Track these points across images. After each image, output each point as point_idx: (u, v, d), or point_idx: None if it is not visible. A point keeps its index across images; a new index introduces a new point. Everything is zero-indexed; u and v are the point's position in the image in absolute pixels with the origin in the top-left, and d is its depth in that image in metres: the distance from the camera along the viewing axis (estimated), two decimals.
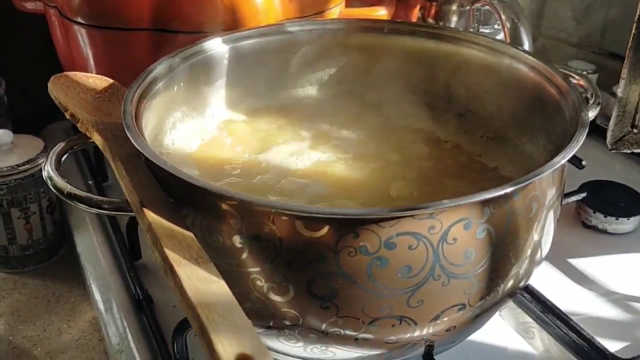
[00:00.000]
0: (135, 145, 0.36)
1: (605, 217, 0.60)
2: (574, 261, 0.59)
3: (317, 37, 0.55)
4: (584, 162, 0.63)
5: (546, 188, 0.38)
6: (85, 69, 0.61)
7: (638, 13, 0.45)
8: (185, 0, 0.55)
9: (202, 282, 0.29)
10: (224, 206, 0.34)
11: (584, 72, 0.84)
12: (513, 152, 0.49)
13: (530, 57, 0.47)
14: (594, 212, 0.60)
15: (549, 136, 0.45)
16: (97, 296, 0.55)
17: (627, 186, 0.64)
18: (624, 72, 0.47)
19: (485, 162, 0.49)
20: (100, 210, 0.37)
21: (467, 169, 0.48)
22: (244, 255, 0.34)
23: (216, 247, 0.35)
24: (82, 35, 0.59)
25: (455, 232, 0.33)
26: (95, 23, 0.57)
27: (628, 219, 0.60)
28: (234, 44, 0.52)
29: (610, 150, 0.50)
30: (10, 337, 0.59)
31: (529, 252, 0.39)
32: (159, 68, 0.46)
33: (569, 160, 0.63)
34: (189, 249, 0.32)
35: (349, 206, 0.41)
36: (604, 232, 0.61)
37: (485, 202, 0.34)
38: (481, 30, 0.72)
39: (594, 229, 0.61)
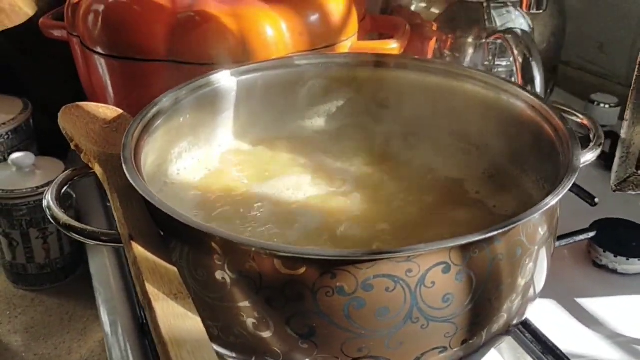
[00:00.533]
0: (129, 178, 0.38)
1: (615, 256, 0.59)
2: (582, 301, 0.58)
3: (325, 71, 0.56)
4: (596, 200, 0.62)
5: (532, 232, 0.37)
6: (104, 96, 0.64)
7: None
8: (197, 34, 0.57)
9: (177, 318, 0.30)
10: (208, 242, 0.35)
11: (606, 106, 0.83)
12: (514, 191, 0.49)
13: (529, 95, 0.47)
14: (604, 252, 0.59)
15: (547, 176, 0.45)
16: (105, 318, 0.57)
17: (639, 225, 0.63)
18: (627, 113, 0.46)
19: (484, 201, 0.48)
20: (96, 242, 0.39)
21: (465, 206, 0.48)
22: (227, 290, 0.35)
23: (201, 280, 0.36)
24: (101, 65, 0.61)
25: (434, 275, 0.33)
26: (113, 53, 0.60)
27: (639, 260, 0.59)
28: (242, 77, 0.54)
29: (614, 191, 0.49)
30: (23, 354, 0.61)
31: (515, 294, 0.38)
32: (164, 100, 0.48)
33: (581, 197, 0.63)
34: (170, 284, 0.33)
35: (337, 243, 0.42)
36: (614, 272, 0.60)
37: (464, 247, 0.34)
38: (497, 63, 0.71)
39: (605, 268, 0.60)
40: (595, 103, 0.84)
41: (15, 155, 0.67)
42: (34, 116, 0.76)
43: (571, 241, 0.59)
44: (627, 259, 0.59)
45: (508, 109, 0.48)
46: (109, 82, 0.62)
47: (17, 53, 0.80)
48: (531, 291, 0.41)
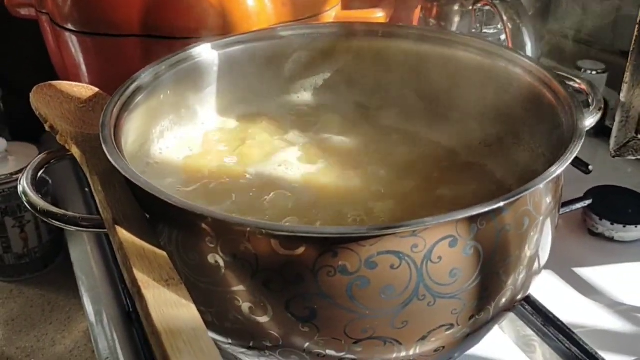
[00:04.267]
0: (110, 159, 0.35)
1: (612, 224, 0.58)
2: (579, 270, 0.57)
3: (311, 42, 0.54)
4: (590, 167, 0.61)
5: (539, 201, 0.36)
6: (77, 75, 0.60)
7: None
8: (174, 5, 0.54)
9: (169, 306, 0.28)
10: (199, 224, 0.33)
11: (593, 72, 0.81)
12: (512, 160, 0.47)
13: (527, 60, 0.45)
14: (600, 220, 0.58)
15: (547, 143, 0.43)
16: (89, 308, 0.55)
17: (635, 192, 0.61)
18: (627, 75, 0.45)
19: (483, 169, 0.47)
20: (77, 228, 0.36)
21: (464, 177, 0.46)
22: (221, 274, 0.33)
23: (192, 265, 0.34)
24: (72, 42, 0.58)
25: (440, 250, 0.32)
26: (85, 29, 0.56)
27: (636, 227, 0.58)
28: (224, 50, 0.51)
29: (613, 157, 0.48)
30: (4, 348, 0.58)
31: (522, 266, 0.37)
32: (143, 76, 0.45)
33: (574, 165, 0.62)
34: (160, 270, 0.30)
35: (334, 219, 0.40)
36: (611, 240, 0.59)
37: (471, 219, 0.32)
38: (484, 31, 0.70)
39: (601, 236, 0.59)
40: (582, 70, 0.82)
41: None
42: (5, 99, 0.73)
43: (567, 210, 0.58)
44: (624, 227, 0.58)
45: (504, 75, 0.46)
46: (82, 61, 0.59)
47: None
48: (536, 264, 0.39)
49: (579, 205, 0.58)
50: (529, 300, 0.50)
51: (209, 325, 0.36)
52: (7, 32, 0.75)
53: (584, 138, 0.37)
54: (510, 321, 0.51)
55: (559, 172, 0.34)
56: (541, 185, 0.34)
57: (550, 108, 0.42)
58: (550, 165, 0.35)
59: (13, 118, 0.74)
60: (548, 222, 0.39)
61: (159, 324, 0.27)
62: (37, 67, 0.70)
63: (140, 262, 0.31)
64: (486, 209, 0.31)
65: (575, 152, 0.35)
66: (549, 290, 0.54)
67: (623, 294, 0.54)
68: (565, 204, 0.58)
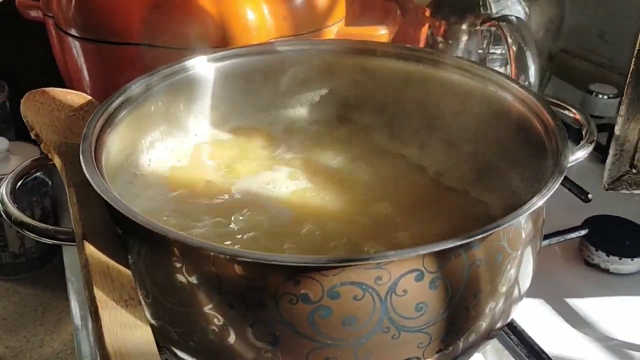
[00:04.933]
0: (85, 171, 0.35)
1: (607, 256, 0.57)
2: (572, 301, 0.55)
3: (308, 58, 0.53)
4: (590, 196, 0.60)
5: (514, 236, 0.35)
6: (79, 80, 0.61)
7: (637, 47, 0.42)
8: (175, 16, 0.54)
9: (124, 329, 0.28)
10: (166, 244, 0.33)
11: (605, 97, 0.80)
12: (501, 187, 0.46)
13: (518, 87, 0.44)
14: (596, 250, 0.57)
15: (534, 174, 0.42)
16: (76, 311, 0.55)
17: (634, 223, 0.60)
18: (622, 109, 0.44)
19: (472, 197, 0.46)
20: (51, 241, 0.36)
21: (450, 204, 0.45)
22: (186, 294, 0.33)
23: (159, 283, 0.34)
24: (75, 48, 0.59)
25: (406, 283, 0.31)
26: (87, 35, 0.57)
27: (632, 260, 0.56)
28: (219, 63, 0.51)
29: (606, 190, 0.47)
30: None
31: (495, 301, 0.36)
32: (133, 87, 0.45)
33: (574, 193, 0.61)
34: (121, 289, 0.30)
35: (313, 244, 0.39)
36: (606, 271, 0.57)
37: (438, 254, 0.31)
38: (491, 50, 0.69)
39: (596, 267, 0.58)
40: (594, 94, 0.81)
41: None
42: (11, 99, 0.74)
43: (562, 239, 0.57)
44: (620, 259, 0.56)
45: (495, 100, 0.46)
46: (83, 66, 0.60)
47: None
48: (515, 293, 0.39)
49: (574, 235, 0.57)
50: (515, 330, 0.50)
51: (175, 344, 0.36)
52: (18, 33, 0.76)
53: (564, 174, 0.36)
54: (495, 350, 0.50)
55: (535, 207, 0.33)
56: (517, 220, 0.34)
57: (538, 139, 0.41)
58: (530, 199, 0.35)
59: (19, 118, 0.75)
60: (528, 252, 0.38)
61: (110, 346, 0.27)
62: (45, 68, 0.71)
63: (102, 279, 0.31)
64: (453, 245, 0.31)
65: (553, 188, 0.35)
66: (538, 320, 0.53)
67: (614, 329, 0.52)
68: (561, 233, 0.57)
